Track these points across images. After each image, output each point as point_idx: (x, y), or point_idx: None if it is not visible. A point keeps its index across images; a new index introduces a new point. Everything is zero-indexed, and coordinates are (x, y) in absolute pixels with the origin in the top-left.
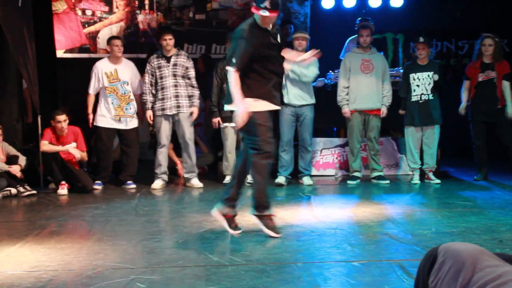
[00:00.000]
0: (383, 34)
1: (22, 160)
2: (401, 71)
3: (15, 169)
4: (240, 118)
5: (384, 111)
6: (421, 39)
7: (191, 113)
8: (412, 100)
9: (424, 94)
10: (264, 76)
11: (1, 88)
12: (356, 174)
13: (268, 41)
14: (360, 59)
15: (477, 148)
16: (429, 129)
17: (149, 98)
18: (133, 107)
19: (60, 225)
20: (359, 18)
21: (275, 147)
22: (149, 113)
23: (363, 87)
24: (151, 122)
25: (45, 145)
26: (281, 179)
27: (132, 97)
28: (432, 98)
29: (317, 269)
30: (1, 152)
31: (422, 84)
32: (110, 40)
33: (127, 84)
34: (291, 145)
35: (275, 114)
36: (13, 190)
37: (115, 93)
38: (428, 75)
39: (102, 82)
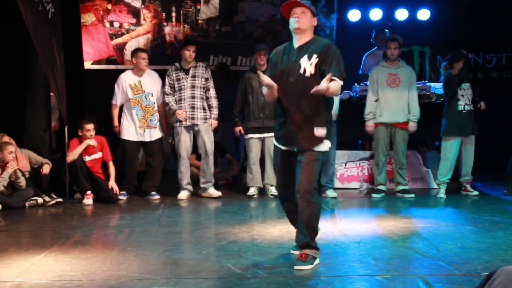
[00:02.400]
0: (409, 47)
1: (48, 165)
2: (428, 84)
3: (46, 169)
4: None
5: (412, 126)
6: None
7: (211, 124)
8: (458, 109)
9: (467, 105)
10: None
11: (30, 98)
12: (381, 187)
13: None
14: (387, 72)
15: None
16: (468, 140)
17: (172, 103)
18: (157, 118)
19: (85, 235)
20: (376, 29)
21: None
22: (179, 112)
23: (390, 101)
24: (185, 117)
25: (70, 154)
26: None
27: (156, 108)
28: (472, 109)
29: (340, 283)
30: (22, 156)
31: (466, 95)
32: (135, 52)
33: (151, 95)
34: None
35: None
36: (39, 200)
37: (140, 105)
38: (469, 86)
39: (126, 94)
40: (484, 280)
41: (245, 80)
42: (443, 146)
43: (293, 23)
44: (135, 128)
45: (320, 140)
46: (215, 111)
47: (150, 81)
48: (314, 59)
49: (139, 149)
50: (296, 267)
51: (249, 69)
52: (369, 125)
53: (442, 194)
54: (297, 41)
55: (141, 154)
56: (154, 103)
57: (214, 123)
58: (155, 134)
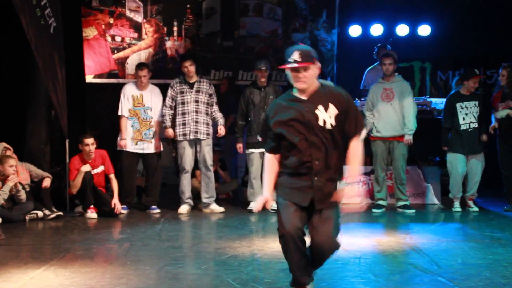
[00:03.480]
0: (410, 63)
1: (48, 179)
2: (429, 99)
3: (46, 182)
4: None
5: (407, 139)
6: (477, 72)
7: (217, 132)
8: (461, 129)
9: (473, 123)
10: None
11: (31, 111)
12: (381, 202)
13: None
14: (382, 88)
15: (506, 178)
16: (474, 157)
17: (167, 117)
18: (153, 133)
19: (85, 249)
20: (378, 45)
21: None
22: (169, 131)
23: (385, 116)
24: (172, 136)
25: (73, 186)
26: None
27: (153, 123)
28: (479, 127)
29: None
30: (22, 170)
31: (470, 113)
32: (139, 67)
33: (150, 110)
34: None
35: None
36: (40, 213)
37: (137, 117)
38: (475, 104)
39: (126, 104)
40: None
41: (246, 96)
42: (448, 161)
43: (296, 84)
44: (130, 140)
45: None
46: (222, 121)
47: (151, 97)
48: (333, 109)
49: (137, 161)
50: None
51: (250, 85)
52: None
53: (457, 208)
54: (303, 93)
55: (141, 168)
56: (152, 118)
57: (223, 129)
58: (152, 148)
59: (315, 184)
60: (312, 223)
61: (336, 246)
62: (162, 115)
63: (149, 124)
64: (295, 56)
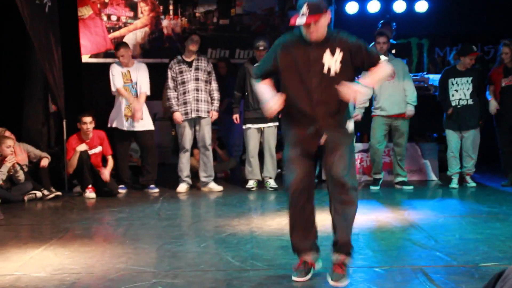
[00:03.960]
0: (407, 39)
1: (46, 159)
2: (426, 76)
3: (44, 162)
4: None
5: (409, 109)
6: (474, 48)
7: (211, 116)
8: (452, 105)
9: (462, 99)
10: None
11: (28, 92)
12: (377, 176)
13: None
14: None
15: (504, 154)
16: (468, 133)
17: (174, 101)
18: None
19: (84, 228)
20: (381, 21)
21: None
22: (177, 115)
23: (388, 94)
24: (180, 122)
25: (69, 166)
26: None
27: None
28: (472, 103)
29: None
30: (20, 150)
31: (460, 89)
32: (116, 47)
33: (137, 85)
34: None
35: None
36: (38, 193)
37: (128, 93)
38: (467, 81)
39: (119, 81)
40: (494, 280)
41: (244, 71)
42: (446, 138)
43: (308, 36)
44: (121, 116)
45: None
46: (216, 104)
47: (137, 72)
48: (338, 54)
49: (130, 140)
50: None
51: (247, 60)
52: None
53: (454, 184)
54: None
55: (137, 147)
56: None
57: (215, 114)
58: (146, 125)
59: (318, 119)
60: (325, 164)
61: (355, 185)
62: (168, 98)
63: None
64: (304, 9)
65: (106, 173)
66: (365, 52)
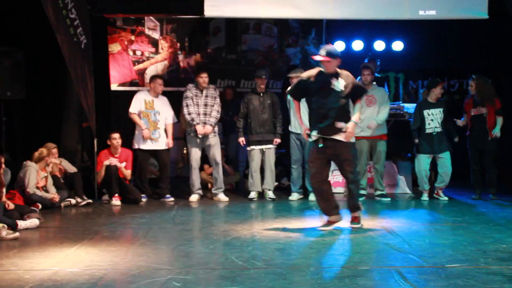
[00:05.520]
0: (386, 73)
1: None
2: (402, 104)
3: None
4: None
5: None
6: (440, 80)
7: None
8: (426, 132)
9: (437, 127)
10: None
11: (65, 116)
12: (362, 192)
13: None
14: (365, 95)
15: (474, 171)
16: (442, 155)
17: (195, 115)
18: (159, 134)
19: (111, 231)
20: (368, 58)
21: None
22: (199, 128)
23: (368, 118)
24: (203, 133)
25: (98, 177)
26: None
27: (159, 125)
28: (443, 130)
29: (327, 273)
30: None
31: (435, 119)
32: (153, 78)
33: (159, 114)
34: (299, 165)
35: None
36: (73, 201)
37: (148, 118)
38: (440, 111)
39: (140, 106)
40: None
41: (247, 100)
42: (415, 160)
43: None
44: (142, 138)
45: None
46: (213, 120)
47: (161, 104)
48: (342, 82)
49: (149, 158)
50: (353, 226)
51: (250, 91)
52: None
53: (425, 197)
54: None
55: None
56: (159, 121)
57: (208, 128)
58: (160, 145)
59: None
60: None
61: (356, 179)
62: (190, 113)
63: (156, 125)
64: (322, 52)
65: (117, 163)
66: (357, 88)
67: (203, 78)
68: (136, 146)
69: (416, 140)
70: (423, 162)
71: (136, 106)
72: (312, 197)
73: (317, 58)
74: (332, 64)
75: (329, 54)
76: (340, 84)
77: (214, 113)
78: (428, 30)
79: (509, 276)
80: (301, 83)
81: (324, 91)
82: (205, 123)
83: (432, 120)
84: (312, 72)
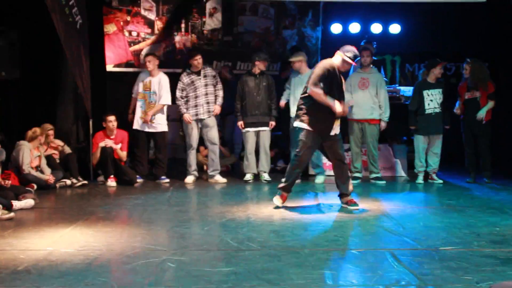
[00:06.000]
0: (382, 56)
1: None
2: (398, 88)
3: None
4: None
5: (382, 125)
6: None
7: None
8: (426, 113)
9: (436, 108)
10: None
11: (60, 97)
12: (357, 174)
13: None
14: (359, 77)
15: (468, 155)
16: (435, 137)
17: (182, 106)
18: (156, 115)
19: (106, 212)
20: (364, 40)
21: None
22: (186, 116)
23: (359, 100)
24: (190, 122)
25: (93, 158)
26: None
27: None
28: (440, 111)
29: (322, 254)
30: (55, 144)
31: (434, 99)
32: (144, 57)
33: (155, 95)
34: None
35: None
36: (68, 181)
37: (145, 100)
38: (439, 91)
39: (138, 88)
40: None
41: (242, 83)
42: (414, 141)
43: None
44: (138, 119)
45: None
46: (220, 100)
47: (158, 83)
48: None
49: (147, 139)
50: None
51: (245, 73)
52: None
53: (420, 180)
54: None
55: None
56: (155, 101)
57: (218, 108)
58: (160, 127)
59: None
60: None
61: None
62: (178, 105)
63: (153, 106)
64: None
65: (109, 142)
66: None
67: (197, 60)
68: (134, 127)
69: (412, 127)
70: (420, 142)
71: (136, 88)
72: (319, 179)
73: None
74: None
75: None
76: None
77: (220, 92)
78: (426, 13)
79: (502, 258)
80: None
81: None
82: (208, 102)
83: (431, 100)
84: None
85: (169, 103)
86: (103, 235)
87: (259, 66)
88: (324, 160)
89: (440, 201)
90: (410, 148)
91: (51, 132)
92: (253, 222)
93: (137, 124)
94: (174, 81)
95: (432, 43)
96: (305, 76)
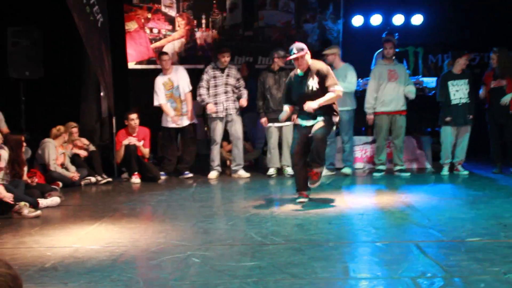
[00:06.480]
0: (405, 48)
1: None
2: (421, 79)
3: (83, 154)
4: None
5: (410, 91)
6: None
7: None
8: (452, 104)
9: (462, 98)
10: None
11: (83, 94)
12: (381, 167)
13: None
14: (387, 69)
15: (494, 145)
16: (463, 128)
17: (205, 96)
18: (185, 106)
19: (130, 209)
20: (386, 32)
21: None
22: (210, 106)
23: (390, 93)
24: (214, 111)
25: (117, 157)
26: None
27: (182, 98)
28: (469, 101)
29: (346, 248)
30: (80, 142)
31: (460, 90)
32: (159, 56)
33: (178, 87)
34: (332, 141)
35: None
36: (93, 179)
37: (172, 97)
38: (465, 82)
39: (161, 92)
40: None
41: (262, 79)
42: (441, 132)
43: (297, 67)
44: (170, 117)
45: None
46: (245, 96)
47: (177, 76)
48: (316, 78)
49: (176, 135)
50: (310, 185)
51: (265, 69)
52: (370, 117)
53: (445, 171)
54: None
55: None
56: (181, 93)
57: (244, 102)
58: (188, 120)
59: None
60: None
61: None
62: (200, 94)
63: (181, 100)
64: (294, 50)
65: (133, 140)
66: (330, 79)
67: (225, 57)
68: (163, 125)
69: (447, 118)
70: (448, 133)
71: (158, 97)
72: (346, 170)
73: (290, 57)
74: (304, 59)
75: (299, 50)
76: None
77: (244, 91)
78: (448, 2)
79: None
80: None
81: None
82: (227, 100)
83: (457, 91)
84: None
85: (191, 87)
86: (128, 232)
87: (278, 63)
88: (356, 154)
89: (466, 192)
90: (434, 140)
91: (75, 130)
92: (277, 216)
93: (167, 123)
94: (195, 76)
95: (455, 33)
96: (340, 70)
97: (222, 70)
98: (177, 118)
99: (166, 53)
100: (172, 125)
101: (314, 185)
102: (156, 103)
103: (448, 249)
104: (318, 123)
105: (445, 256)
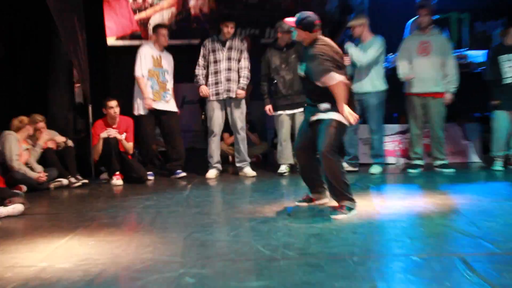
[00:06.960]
0: (446, 14)
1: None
2: (465, 53)
3: (51, 145)
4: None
5: (448, 97)
6: None
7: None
8: (504, 83)
9: None
10: None
11: (52, 78)
12: (418, 162)
13: None
14: (418, 41)
15: None
16: None
17: (201, 77)
18: (169, 96)
19: (111, 217)
20: None
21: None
22: (203, 88)
23: (420, 70)
24: (207, 95)
25: (95, 153)
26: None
27: (168, 87)
28: None
29: (374, 263)
30: (49, 136)
31: None
32: (156, 28)
33: (167, 73)
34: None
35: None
36: (65, 181)
37: (157, 78)
38: None
39: (147, 64)
40: None
41: (267, 58)
42: (492, 118)
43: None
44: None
45: None
46: (244, 81)
47: (167, 60)
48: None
49: (155, 123)
50: (333, 217)
51: (270, 46)
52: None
53: (499, 166)
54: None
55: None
56: (168, 81)
57: (240, 93)
58: (170, 107)
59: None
60: None
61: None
62: (195, 75)
63: (166, 87)
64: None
65: (114, 133)
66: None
67: (228, 28)
68: (138, 112)
69: (495, 102)
70: (502, 120)
71: (143, 65)
72: (375, 169)
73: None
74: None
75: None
76: None
77: (245, 71)
78: None
79: None
80: None
81: None
82: (229, 80)
83: (510, 67)
84: None
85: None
86: (107, 246)
87: (283, 39)
88: (387, 146)
89: None
90: (484, 127)
91: (41, 125)
92: (289, 224)
93: (143, 109)
94: (189, 54)
95: None
96: (368, 44)
97: (224, 43)
98: (151, 102)
99: (166, 27)
100: (145, 111)
101: (338, 217)
102: (138, 73)
103: (502, 264)
104: (322, 125)
105: (498, 273)
